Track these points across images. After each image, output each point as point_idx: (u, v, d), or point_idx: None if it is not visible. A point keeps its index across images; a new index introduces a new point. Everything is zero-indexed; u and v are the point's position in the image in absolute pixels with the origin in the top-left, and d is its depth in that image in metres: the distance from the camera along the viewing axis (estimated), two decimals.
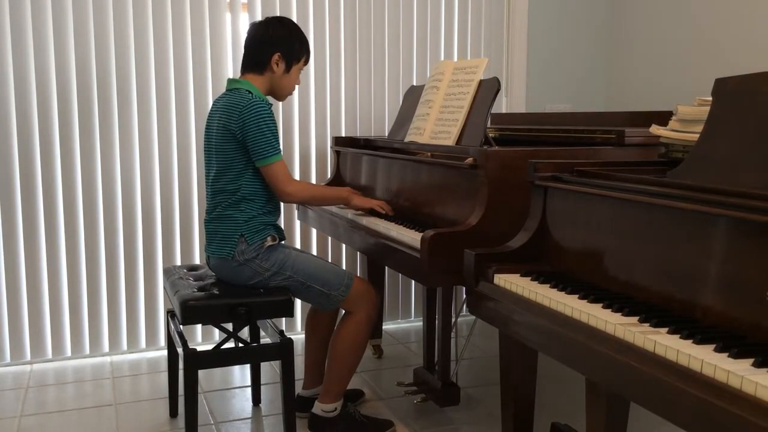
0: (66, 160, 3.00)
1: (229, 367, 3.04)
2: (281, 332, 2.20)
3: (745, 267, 1.19)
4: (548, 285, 1.56)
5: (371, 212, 2.52)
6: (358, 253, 3.47)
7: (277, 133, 2.22)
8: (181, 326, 2.26)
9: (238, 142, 2.20)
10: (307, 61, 2.40)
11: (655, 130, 1.76)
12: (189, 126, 3.17)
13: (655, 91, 3.48)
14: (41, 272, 3.03)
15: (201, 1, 3.11)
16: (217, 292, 2.19)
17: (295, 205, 3.30)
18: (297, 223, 3.39)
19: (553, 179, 1.71)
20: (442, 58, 3.55)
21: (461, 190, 2.17)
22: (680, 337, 1.18)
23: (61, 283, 3.06)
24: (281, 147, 3.23)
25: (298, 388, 2.55)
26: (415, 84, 3.44)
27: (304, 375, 2.57)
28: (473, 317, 3.55)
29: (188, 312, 2.11)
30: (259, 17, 3.11)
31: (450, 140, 2.35)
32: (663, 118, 1.83)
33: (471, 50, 3.61)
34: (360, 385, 2.82)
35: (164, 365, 2.99)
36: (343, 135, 3.40)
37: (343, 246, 3.51)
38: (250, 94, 2.22)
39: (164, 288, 2.44)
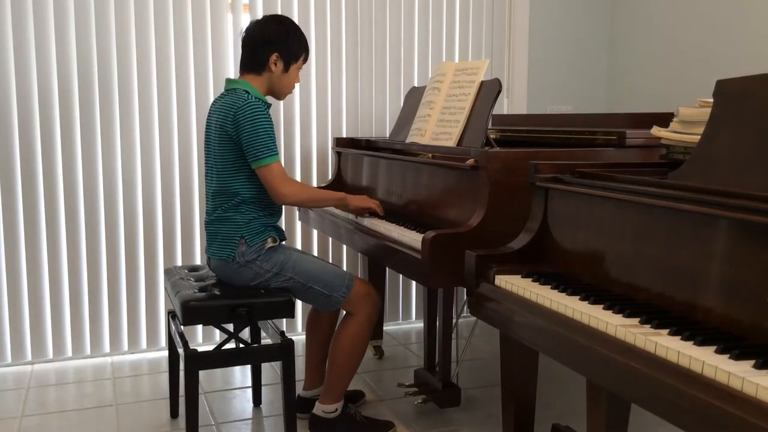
0: (67, 161, 3.00)
1: (230, 368, 3.04)
2: (282, 333, 2.20)
3: (746, 268, 1.19)
4: (549, 286, 1.56)
5: (369, 212, 2.51)
6: (359, 254, 3.47)
7: (273, 134, 2.19)
8: (182, 327, 2.26)
9: (235, 144, 2.19)
10: (305, 60, 2.39)
11: (656, 131, 1.76)
12: (190, 127, 3.17)
13: (656, 92, 3.47)
14: (42, 272, 3.03)
15: (203, 2, 3.11)
16: (218, 293, 2.19)
17: (296, 207, 3.30)
18: (298, 225, 3.39)
19: (554, 180, 1.71)
20: (444, 60, 3.55)
21: (462, 191, 2.17)
22: (681, 339, 1.18)
23: (62, 283, 3.06)
24: (281, 148, 3.25)
25: (299, 388, 2.55)
26: (416, 85, 3.44)
27: (305, 376, 2.57)
28: (474, 318, 3.55)
29: (189, 312, 2.11)
30: None
31: (451, 141, 2.35)
32: (664, 119, 1.83)
33: (472, 51, 3.61)
34: (361, 386, 2.82)
35: (165, 366, 2.99)
36: (345, 136, 3.40)
37: (344, 247, 3.51)
38: (247, 94, 2.21)
39: (165, 288, 2.44)
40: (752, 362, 1.07)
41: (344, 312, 2.35)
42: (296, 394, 2.20)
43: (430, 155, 2.44)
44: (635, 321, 1.30)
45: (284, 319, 3.36)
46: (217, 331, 3.24)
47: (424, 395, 2.54)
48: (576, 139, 2.35)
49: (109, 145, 3.06)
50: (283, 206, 2.41)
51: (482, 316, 1.70)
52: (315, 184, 3.37)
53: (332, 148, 3.27)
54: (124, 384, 2.87)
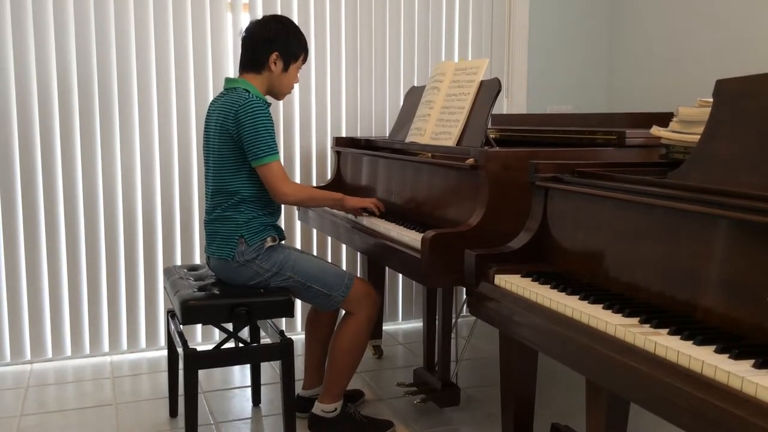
0: (66, 160, 3.00)
1: (229, 367, 3.04)
2: (281, 332, 2.20)
3: (745, 268, 1.19)
4: (549, 286, 1.56)
5: (366, 211, 2.51)
6: (359, 253, 3.47)
7: (273, 133, 2.20)
8: (181, 326, 2.26)
9: (236, 143, 2.19)
10: (305, 60, 2.39)
11: (656, 131, 1.76)
12: (190, 126, 3.17)
13: (656, 92, 3.48)
14: (41, 272, 3.03)
15: (202, 2, 3.11)
16: (218, 292, 2.19)
17: (295, 206, 3.30)
18: (298, 224, 3.39)
19: (554, 180, 1.71)
20: (443, 59, 3.55)
21: (462, 190, 2.17)
22: (681, 338, 1.18)
23: (62, 282, 3.06)
24: (281, 148, 3.25)
25: (298, 388, 2.55)
26: (416, 84, 3.44)
27: (304, 375, 2.57)
28: (473, 318, 3.55)
29: (188, 312, 2.11)
30: None
31: (451, 141, 2.35)
32: (664, 119, 1.83)
33: (472, 51, 3.61)
34: (360, 385, 2.82)
35: (164, 365, 2.99)
36: (344, 135, 3.40)
37: (344, 246, 3.51)
38: (248, 93, 2.21)
39: (164, 288, 2.44)
40: (752, 362, 1.07)
41: (344, 312, 2.35)
42: (295, 394, 2.20)
43: (430, 155, 2.44)
44: (635, 320, 1.30)
45: (283, 319, 3.36)
46: (217, 331, 3.24)
47: (423, 395, 2.54)
48: (576, 139, 2.35)
49: (109, 144, 3.06)
50: (283, 205, 2.40)
51: (482, 315, 1.70)
52: (314, 184, 3.37)
53: (332, 147, 3.27)
54: (123, 383, 2.87)
